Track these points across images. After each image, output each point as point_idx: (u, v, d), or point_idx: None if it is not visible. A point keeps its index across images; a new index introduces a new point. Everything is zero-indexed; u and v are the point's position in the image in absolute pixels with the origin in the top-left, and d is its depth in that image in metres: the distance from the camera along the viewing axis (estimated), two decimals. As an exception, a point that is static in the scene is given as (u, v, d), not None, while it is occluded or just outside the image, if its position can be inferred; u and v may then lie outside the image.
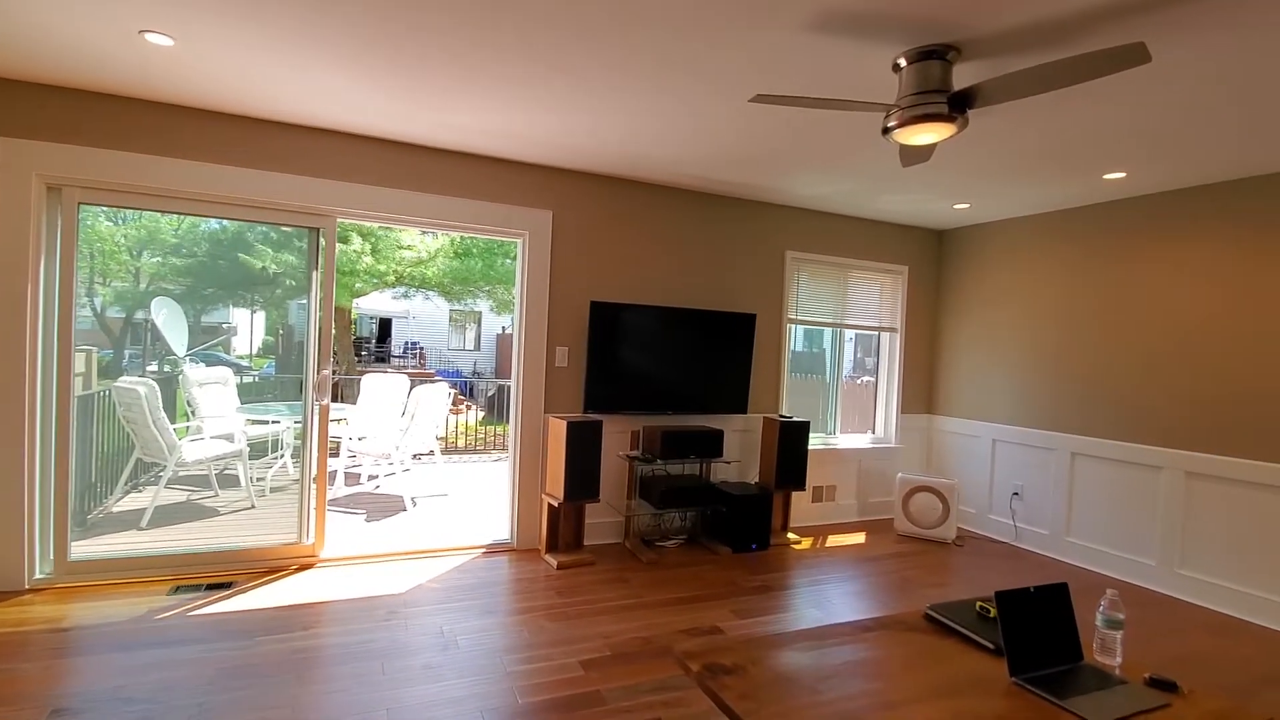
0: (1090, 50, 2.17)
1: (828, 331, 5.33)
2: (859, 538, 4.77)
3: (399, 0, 2.20)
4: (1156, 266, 4.06)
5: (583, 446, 3.86)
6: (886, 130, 2.46)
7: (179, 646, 2.70)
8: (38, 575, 3.23)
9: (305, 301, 3.73)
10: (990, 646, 1.89)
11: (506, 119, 3.27)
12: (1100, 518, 4.31)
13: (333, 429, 5.31)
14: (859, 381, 5.73)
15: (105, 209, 3.59)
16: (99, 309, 5.30)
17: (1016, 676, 1.72)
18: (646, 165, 3.98)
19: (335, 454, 5.45)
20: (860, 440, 5.38)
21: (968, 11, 2.09)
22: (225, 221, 4.89)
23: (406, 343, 18.79)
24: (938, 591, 3.77)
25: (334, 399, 8.73)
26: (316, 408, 3.69)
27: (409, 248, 10.28)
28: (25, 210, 3.08)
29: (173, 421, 4.17)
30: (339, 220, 3.74)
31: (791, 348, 5.06)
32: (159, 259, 5.40)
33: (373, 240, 9.82)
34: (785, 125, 3.19)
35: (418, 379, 6.76)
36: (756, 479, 4.76)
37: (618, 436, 4.35)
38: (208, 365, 5.56)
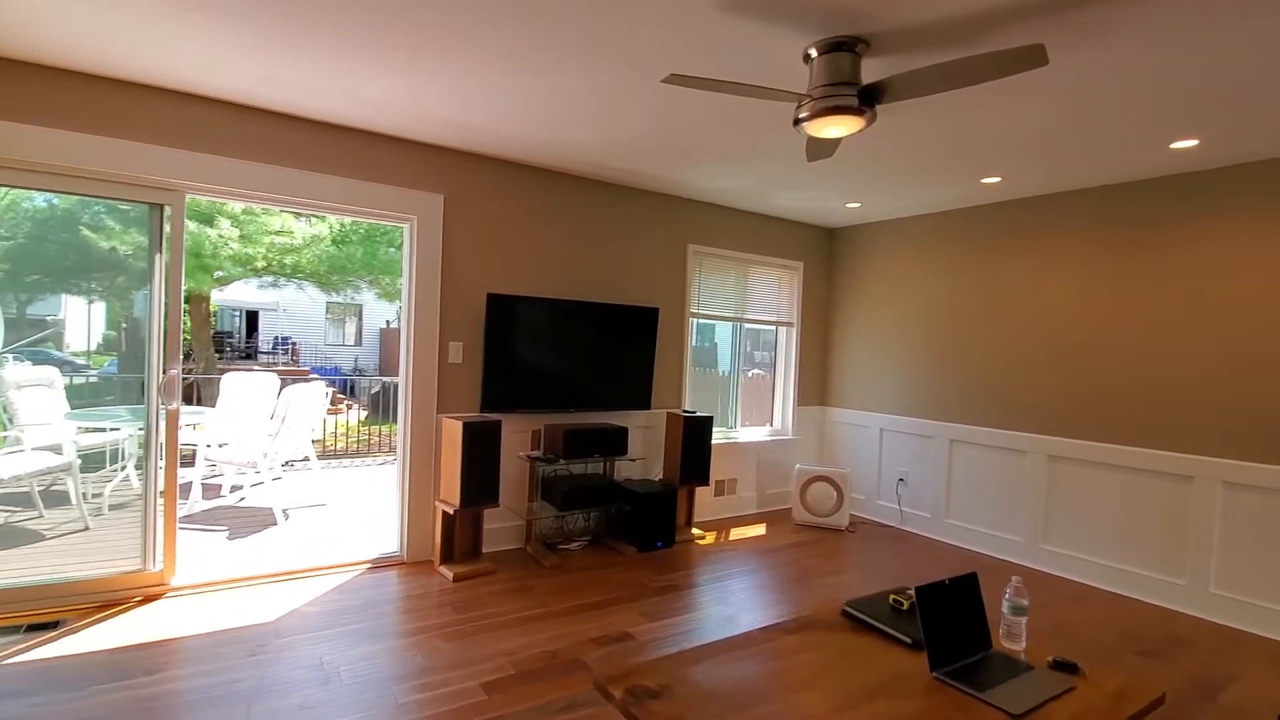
0: (992, 51, 2.23)
1: (723, 325, 5.36)
2: (760, 529, 4.83)
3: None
4: (1028, 266, 4.38)
5: (481, 449, 3.61)
6: (798, 121, 2.42)
7: (-20, 709, 2.21)
8: None
9: (149, 290, 3.21)
10: (908, 641, 1.89)
11: (392, 92, 2.96)
12: (975, 500, 4.61)
13: (187, 435, 4.68)
14: (749, 374, 5.82)
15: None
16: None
17: (937, 671, 1.72)
18: (547, 150, 3.78)
19: (190, 463, 4.81)
20: (759, 433, 5.46)
21: (877, 2, 2.07)
22: (54, 198, 4.16)
23: (276, 338, 17.27)
24: (836, 579, 3.86)
25: (191, 400, 7.79)
26: (163, 412, 3.19)
27: (281, 232, 9.36)
28: None
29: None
30: (190, 197, 3.25)
31: (693, 342, 5.03)
32: (-40, 239, 4.51)
33: (239, 225, 8.85)
34: (692, 114, 3.10)
35: (289, 377, 6.15)
36: (661, 475, 4.70)
37: (518, 436, 4.12)
38: (34, 364, 4.74)
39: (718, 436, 5.08)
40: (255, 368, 14.00)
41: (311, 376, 12.89)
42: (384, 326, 18.80)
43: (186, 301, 9.65)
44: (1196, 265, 3.63)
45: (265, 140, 3.30)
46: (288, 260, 10.03)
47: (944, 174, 3.91)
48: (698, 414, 4.48)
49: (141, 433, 3.35)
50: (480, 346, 3.97)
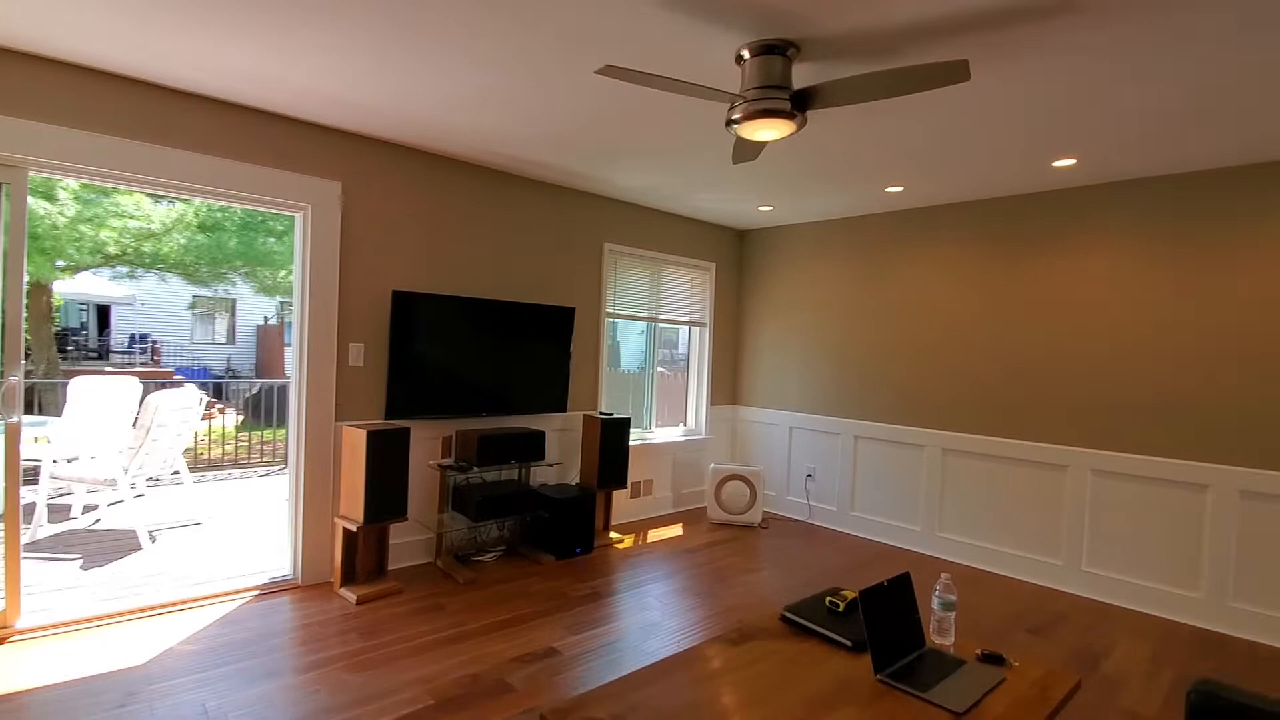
0: (918, 64, 2.30)
1: (638, 325, 5.32)
2: (677, 530, 4.83)
3: None
4: (925, 271, 4.63)
5: (387, 458, 3.34)
6: (731, 122, 2.40)
7: None
8: None
9: (-24, 283, 2.71)
10: (848, 644, 1.91)
11: (277, 64, 2.65)
12: (877, 492, 4.85)
13: (28, 449, 4.03)
14: (663, 374, 5.82)
15: None
16: None
17: (880, 674, 1.74)
18: (461, 140, 3.55)
19: (33, 481, 4.16)
20: (674, 433, 5.47)
21: (809, 4, 2.06)
22: None
23: (133, 335, 15.46)
24: (755, 577, 3.91)
25: (30, 409, 6.75)
26: (0, 425, 2.71)
27: (137, 216, 8.33)
28: None
29: None
30: (35, 174, 2.77)
31: (609, 343, 4.95)
32: None
33: (81, 202, 7.76)
34: (619, 110, 3.01)
35: (152, 380, 5.48)
36: (578, 480, 4.58)
37: (427, 444, 3.87)
38: None
39: (633, 438, 5.03)
40: (108, 369, 12.47)
41: (177, 378, 11.65)
42: (261, 324, 17.33)
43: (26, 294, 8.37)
44: (1069, 274, 3.98)
45: (131, 113, 2.88)
46: (146, 248, 8.96)
47: (852, 181, 4.05)
48: (615, 416, 4.41)
49: (-33, 451, 2.83)
50: (385, 348, 3.68)
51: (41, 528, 4.11)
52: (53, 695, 2.35)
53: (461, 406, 3.88)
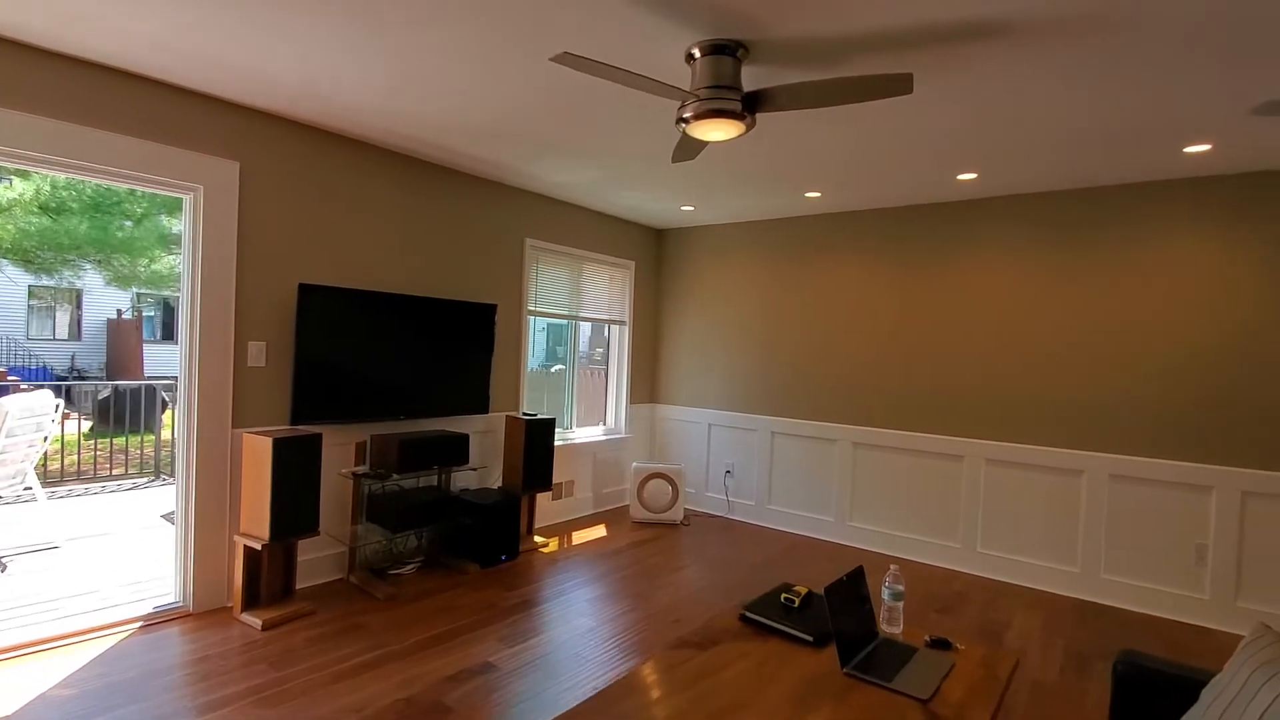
0: (864, 74, 2.38)
1: (557, 323, 5.21)
2: (601, 530, 4.77)
3: None
4: (839, 273, 4.85)
5: (297, 468, 3.05)
6: (681, 121, 2.37)
7: None
8: None
9: None
10: (809, 640, 1.94)
11: (169, 19, 2.34)
12: (793, 486, 5.03)
13: None
14: (584, 373, 5.75)
15: None
16: None
17: (847, 668, 1.78)
18: (378, 123, 3.30)
19: None
20: (595, 432, 5.40)
21: (762, 6, 2.07)
22: None
23: (-50, 330, 13.28)
24: (684, 575, 3.94)
25: None
26: None
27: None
28: None
29: None
30: None
31: (531, 341, 4.81)
32: None
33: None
34: (551, 102, 2.90)
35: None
36: (500, 483, 4.41)
37: (338, 450, 3.58)
38: None
39: (555, 438, 4.91)
40: (-84, 370, 10.67)
41: (11, 379, 10.18)
42: (113, 318, 15.44)
43: None
44: (967, 278, 4.30)
45: (-26, 69, 2.44)
46: (-28, 231, 7.73)
47: (775, 185, 4.16)
48: (539, 416, 4.28)
49: None
50: (290, 346, 3.37)
51: None
52: (-116, 768, 1.95)
53: (377, 410, 3.62)
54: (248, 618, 3.01)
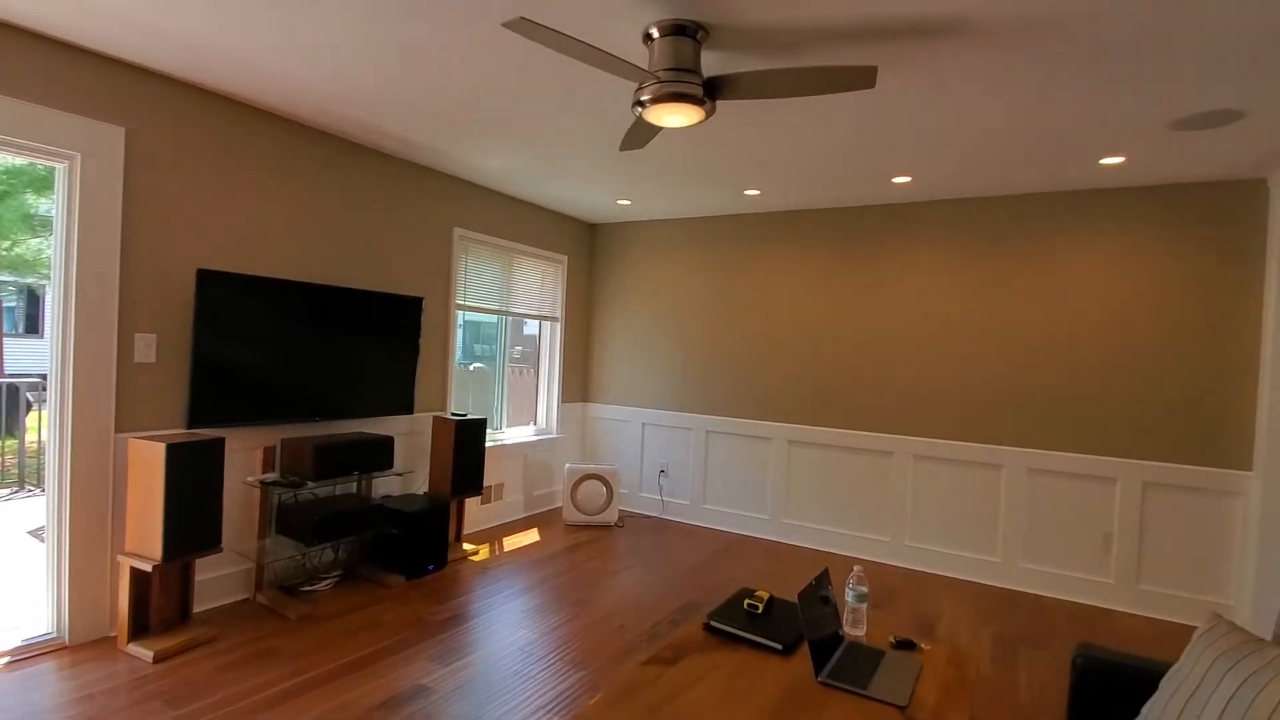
0: (828, 65, 2.34)
1: (487, 319, 4.96)
2: (533, 535, 4.57)
3: None
4: (775, 272, 4.86)
5: (195, 477, 2.70)
6: (639, 104, 2.25)
7: None
8: None
9: None
10: (778, 647, 1.87)
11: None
12: (728, 484, 5.02)
13: None
14: (514, 371, 5.52)
15: None
16: None
17: (820, 676, 1.71)
18: (289, 88, 2.98)
19: None
20: (525, 433, 5.19)
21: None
22: None
23: None
24: (622, 579, 3.81)
25: None
26: None
27: None
28: None
29: None
30: None
31: (458, 337, 4.54)
32: None
33: None
34: (492, 79, 2.70)
35: None
36: (426, 489, 4.13)
37: (242, 456, 3.21)
38: None
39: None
40: None
41: None
42: (-38, 307, 13.61)
43: None
44: (898, 280, 4.41)
45: None
46: None
47: (714, 181, 4.11)
48: (469, 417, 4.04)
49: None
50: (187, 340, 2.99)
51: None
52: None
53: (289, 410, 3.28)
54: (136, 649, 2.63)
